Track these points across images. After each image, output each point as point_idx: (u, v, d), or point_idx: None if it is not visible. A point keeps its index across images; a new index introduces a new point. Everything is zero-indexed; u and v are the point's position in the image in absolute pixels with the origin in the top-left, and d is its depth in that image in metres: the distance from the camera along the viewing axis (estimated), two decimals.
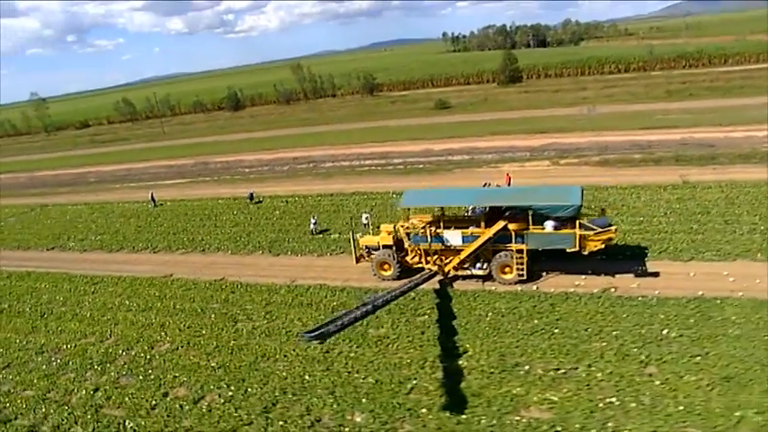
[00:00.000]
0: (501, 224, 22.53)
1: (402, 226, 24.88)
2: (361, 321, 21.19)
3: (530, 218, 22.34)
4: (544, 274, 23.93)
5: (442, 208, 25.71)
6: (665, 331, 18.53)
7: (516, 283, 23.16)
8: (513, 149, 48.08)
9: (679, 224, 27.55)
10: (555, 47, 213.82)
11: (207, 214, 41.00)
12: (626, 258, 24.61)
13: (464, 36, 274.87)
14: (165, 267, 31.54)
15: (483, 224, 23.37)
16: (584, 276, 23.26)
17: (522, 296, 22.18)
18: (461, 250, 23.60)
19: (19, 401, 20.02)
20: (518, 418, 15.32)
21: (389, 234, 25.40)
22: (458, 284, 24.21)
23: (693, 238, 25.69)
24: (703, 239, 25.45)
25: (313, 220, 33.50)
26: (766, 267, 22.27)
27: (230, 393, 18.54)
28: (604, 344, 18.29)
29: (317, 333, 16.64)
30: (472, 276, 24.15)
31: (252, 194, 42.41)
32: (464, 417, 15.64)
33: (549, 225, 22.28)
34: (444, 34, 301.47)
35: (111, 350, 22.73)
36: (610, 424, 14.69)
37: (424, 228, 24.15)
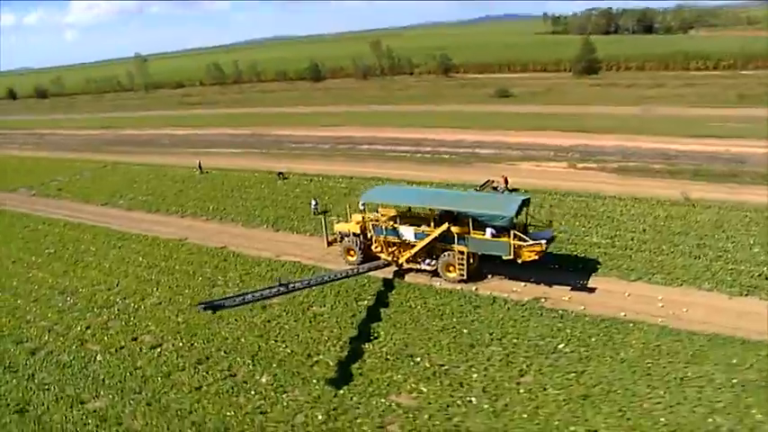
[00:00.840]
0: (445, 226, 24.20)
1: (369, 217, 27.14)
2: (307, 298, 24.19)
3: (470, 223, 23.81)
4: (489, 276, 25.32)
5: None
6: (560, 345, 19.69)
7: (459, 281, 24.80)
8: (540, 147, 47.94)
9: (650, 242, 27.49)
10: (661, 34, 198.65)
11: (238, 186, 45.25)
12: (576, 271, 25.31)
13: (565, 17, 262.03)
14: (184, 231, 36.01)
15: (433, 224, 25.12)
16: (523, 284, 24.43)
17: (454, 295, 23.88)
18: (414, 245, 25.55)
19: (32, 329, 25.01)
20: (384, 401, 17.55)
21: (358, 224, 27.77)
22: (410, 277, 26.22)
23: (653, 259, 25.77)
24: (662, 261, 25.47)
25: (314, 202, 36.42)
26: (704, 296, 22.35)
27: (180, 344, 22.20)
28: (499, 349, 19.83)
29: (211, 305, 19.61)
30: (422, 270, 26.04)
31: (281, 173, 46.08)
32: (341, 392, 18.11)
33: (488, 232, 23.63)
34: (545, 14, 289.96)
35: (111, 298, 27.31)
36: (456, 419, 16.56)
37: (385, 221, 26.33)
